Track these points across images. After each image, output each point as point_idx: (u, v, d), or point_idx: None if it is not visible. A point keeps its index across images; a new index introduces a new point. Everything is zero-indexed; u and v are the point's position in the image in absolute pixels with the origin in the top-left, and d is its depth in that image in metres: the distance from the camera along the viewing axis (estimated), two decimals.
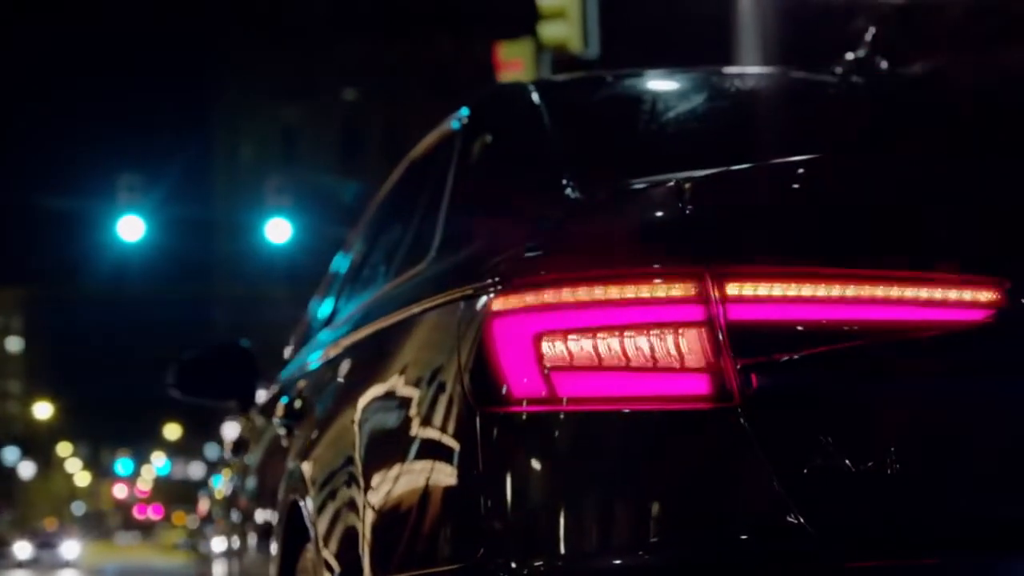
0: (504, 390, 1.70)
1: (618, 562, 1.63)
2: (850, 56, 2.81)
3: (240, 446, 4.21)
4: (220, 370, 4.11)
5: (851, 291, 1.64)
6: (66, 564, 36.89)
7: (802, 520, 1.60)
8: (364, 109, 66.75)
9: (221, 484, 4.64)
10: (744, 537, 1.60)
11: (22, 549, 37.79)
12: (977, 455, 1.64)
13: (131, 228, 27.30)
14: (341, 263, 3.48)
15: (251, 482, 3.63)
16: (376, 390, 2.17)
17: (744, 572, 1.60)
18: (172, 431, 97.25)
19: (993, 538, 1.63)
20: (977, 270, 1.67)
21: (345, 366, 2.51)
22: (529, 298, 1.71)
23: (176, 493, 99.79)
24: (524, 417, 1.68)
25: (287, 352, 3.96)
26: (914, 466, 1.63)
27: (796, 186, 1.81)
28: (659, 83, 2.74)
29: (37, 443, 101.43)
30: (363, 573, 2.03)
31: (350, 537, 2.13)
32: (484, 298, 1.78)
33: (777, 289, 1.65)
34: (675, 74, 2.78)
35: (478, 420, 1.73)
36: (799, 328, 1.64)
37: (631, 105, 2.56)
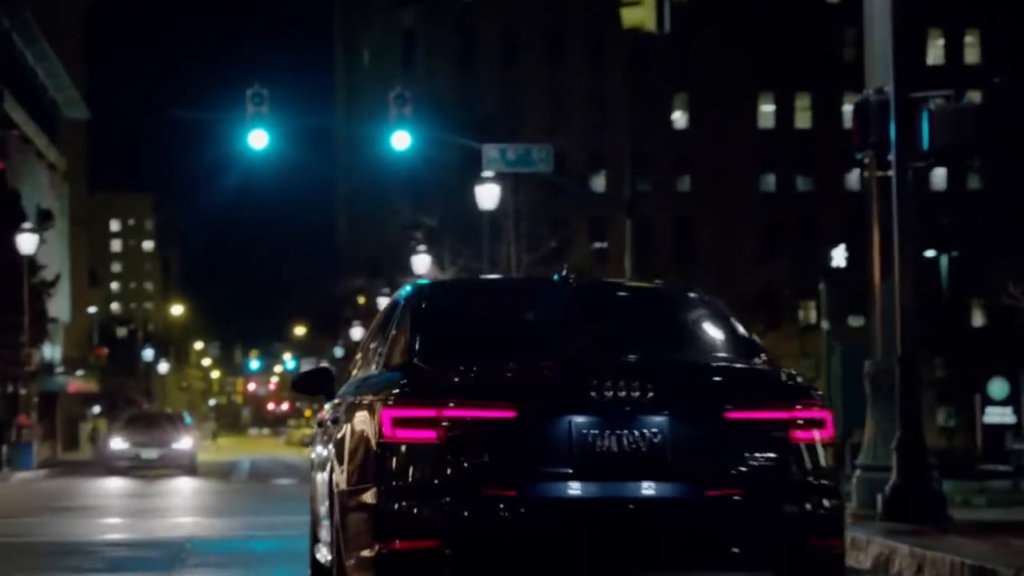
0: (384, 433, 5.63)
1: (417, 510, 5.54)
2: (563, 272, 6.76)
3: (327, 417, 7.43)
4: (316, 380, 7.54)
5: (460, 409, 5.64)
6: (174, 462, 32.34)
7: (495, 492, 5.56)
8: (481, 12, 66.93)
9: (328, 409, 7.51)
10: (477, 515, 5.51)
11: (116, 443, 33.01)
12: (534, 459, 5.63)
13: (258, 138, 28.32)
14: (364, 344, 7.45)
15: (330, 424, 7.05)
16: (355, 424, 6.10)
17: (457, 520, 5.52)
18: (299, 331, 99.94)
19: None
20: (508, 397, 5.60)
21: (348, 410, 6.40)
22: (390, 405, 5.64)
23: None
24: (391, 441, 5.61)
25: (352, 369, 7.48)
26: (502, 465, 5.57)
27: (479, 370, 5.85)
28: (501, 290, 7.66)
29: (172, 341, 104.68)
30: (343, 492, 6.12)
31: (340, 480, 6.24)
32: (381, 403, 5.72)
33: (462, 411, 5.56)
34: (505, 282, 9.55)
35: (379, 443, 5.67)
36: (473, 415, 5.56)
37: (481, 306, 6.66)
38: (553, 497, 5.47)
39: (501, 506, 5.43)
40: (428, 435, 5.48)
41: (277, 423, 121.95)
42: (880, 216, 12.53)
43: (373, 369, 6.51)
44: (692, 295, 6.73)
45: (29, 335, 41.12)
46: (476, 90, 63.18)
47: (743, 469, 5.57)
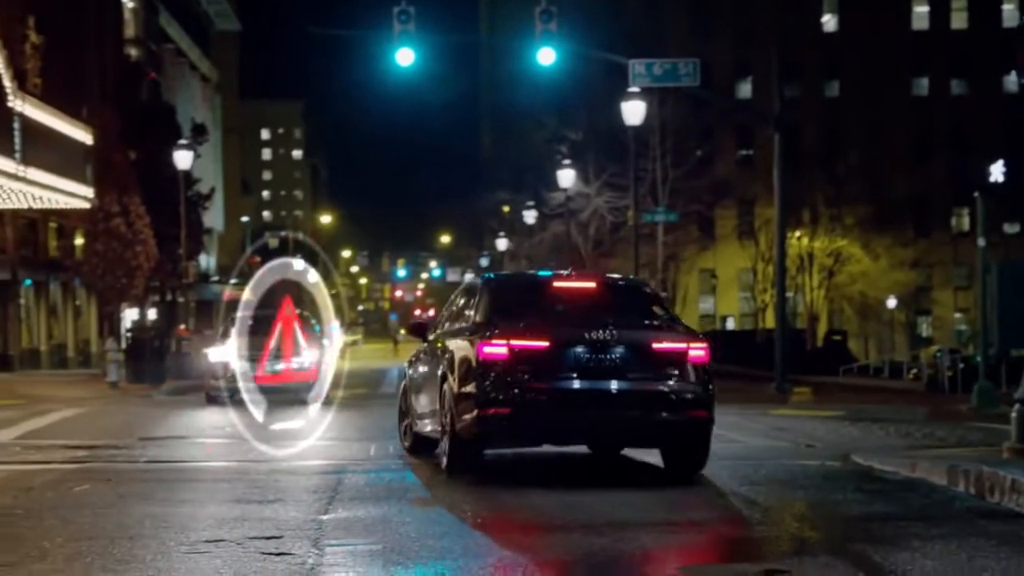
0: (479, 356, 11.16)
1: (498, 394, 11.07)
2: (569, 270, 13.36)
3: (420, 352, 13.92)
4: (419, 329, 14.04)
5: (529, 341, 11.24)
6: (292, 383, 24.59)
7: (522, 392, 11.16)
8: None
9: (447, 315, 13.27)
10: (528, 396, 11.07)
11: (216, 356, 24.96)
12: (565, 370, 11.12)
13: (405, 55, 28.43)
14: (450, 306, 13.53)
15: (425, 356, 13.46)
16: (460, 352, 11.61)
17: (519, 405, 11.06)
18: (445, 240, 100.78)
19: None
20: (542, 337, 11.16)
21: (449, 346, 12.07)
22: (483, 340, 11.19)
23: (449, 296, 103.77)
24: (484, 360, 11.09)
25: (440, 321, 13.66)
26: (559, 372, 11.16)
27: (530, 320, 11.48)
28: (536, 279, 13.30)
29: (321, 249, 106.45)
30: (455, 390, 11.51)
31: (452, 383, 11.64)
32: (478, 339, 11.29)
33: (519, 344, 11.11)
34: (537, 275, 13.90)
35: (477, 361, 11.18)
36: (526, 346, 11.11)
37: (525, 288, 12.81)
38: (566, 388, 10.96)
39: (541, 394, 10.89)
40: (502, 356, 10.95)
41: (424, 330, 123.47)
42: None
43: (462, 323, 12.24)
44: (643, 287, 13.18)
45: (186, 247, 42.22)
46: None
47: (660, 374, 11.12)
